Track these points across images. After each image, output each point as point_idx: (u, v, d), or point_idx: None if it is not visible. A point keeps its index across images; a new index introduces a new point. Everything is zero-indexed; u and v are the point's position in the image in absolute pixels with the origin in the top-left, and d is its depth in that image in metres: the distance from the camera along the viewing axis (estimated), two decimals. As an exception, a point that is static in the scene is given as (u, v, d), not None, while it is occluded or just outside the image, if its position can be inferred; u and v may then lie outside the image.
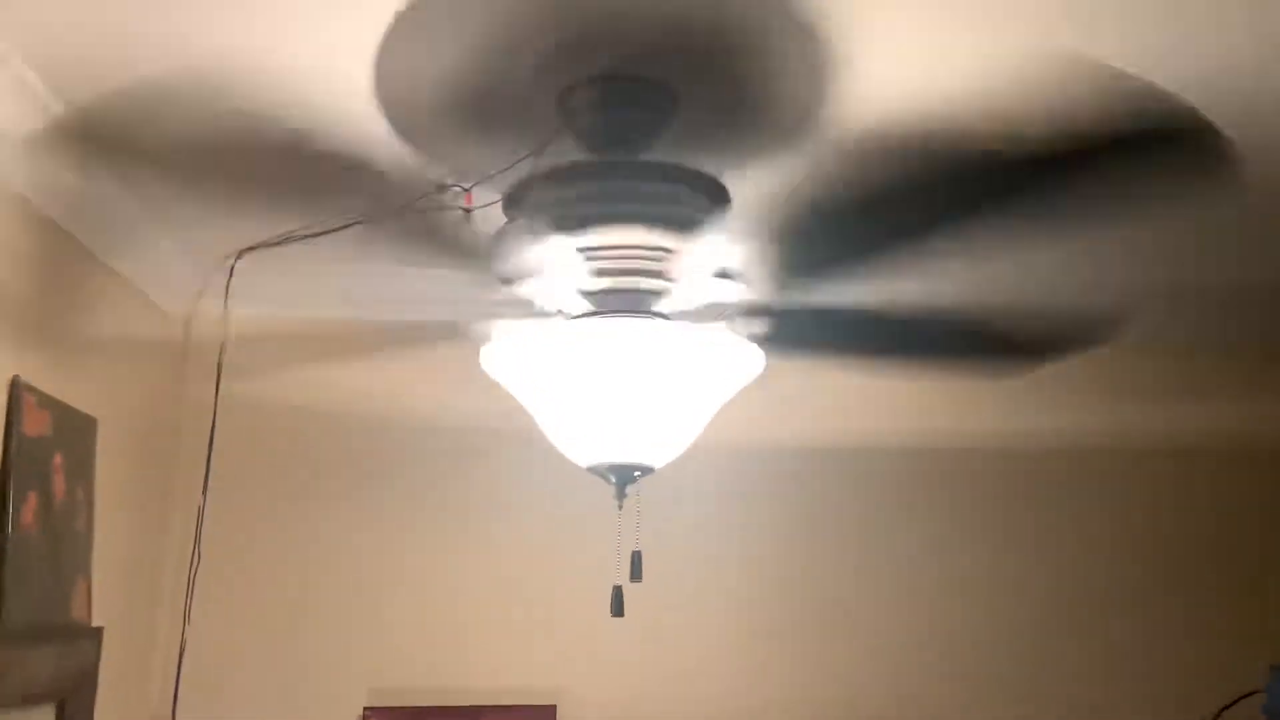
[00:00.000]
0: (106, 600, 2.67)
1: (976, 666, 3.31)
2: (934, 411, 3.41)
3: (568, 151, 2.07)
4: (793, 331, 2.13)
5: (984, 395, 3.33)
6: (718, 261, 2.01)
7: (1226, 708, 3.02)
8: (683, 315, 2.06)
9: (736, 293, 2.07)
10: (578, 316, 2.03)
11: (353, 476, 3.23)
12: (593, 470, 2.03)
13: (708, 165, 2.14)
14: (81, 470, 2.54)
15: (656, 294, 2.02)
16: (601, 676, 3.17)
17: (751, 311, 2.10)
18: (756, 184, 2.27)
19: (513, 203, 2.04)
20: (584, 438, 2.00)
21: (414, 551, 3.22)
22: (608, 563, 2.02)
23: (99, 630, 2.59)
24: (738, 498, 3.32)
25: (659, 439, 2.02)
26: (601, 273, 1.99)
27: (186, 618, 2.44)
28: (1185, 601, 3.40)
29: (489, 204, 2.16)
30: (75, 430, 2.51)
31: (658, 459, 2.03)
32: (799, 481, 3.36)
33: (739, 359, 2.01)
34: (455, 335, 2.28)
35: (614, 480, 2.01)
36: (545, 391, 2.01)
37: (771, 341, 2.08)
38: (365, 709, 3.07)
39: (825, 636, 3.30)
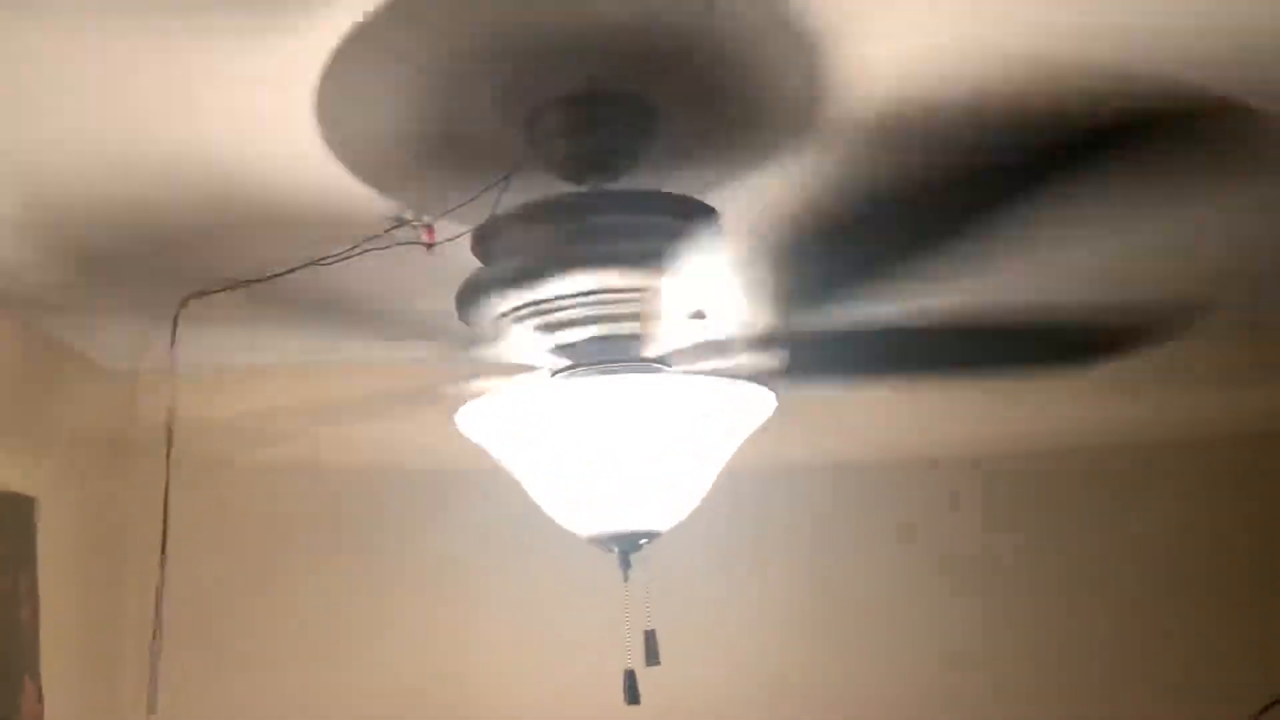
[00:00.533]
0: (60, 697, 2.42)
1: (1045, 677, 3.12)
2: (968, 418, 3.19)
3: (538, 182, 1.84)
4: (813, 359, 1.90)
5: (1023, 396, 3.09)
6: (714, 294, 1.77)
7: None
8: (680, 358, 1.83)
9: (739, 326, 1.83)
10: (560, 371, 1.81)
11: (326, 535, 2.98)
12: (593, 542, 1.80)
13: (694, 185, 1.94)
14: (21, 557, 2.29)
15: (647, 338, 1.79)
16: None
17: (760, 344, 1.86)
18: (751, 201, 2.04)
19: (479, 243, 1.84)
20: (579, 506, 1.78)
21: (400, 612, 2.98)
22: (613, 611, 1.80)
23: (52, 732, 2.35)
24: (755, 525, 3.09)
25: (664, 500, 1.79)
26: (580, 321, 1.77)
27: (151, 708, 2.20)
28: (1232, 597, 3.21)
29: (454, 238, 1.94)
30: (10, 513, 2.26)
31: (664, 522, 1.80)
32: (824, 502, 3.14)
33: (746, 404, 1.78)
34: (428, 396, 2.04)
35: (617, 550, 1.78)
36: (531, 457, 1.78)
37: (790, 374, 1.85)
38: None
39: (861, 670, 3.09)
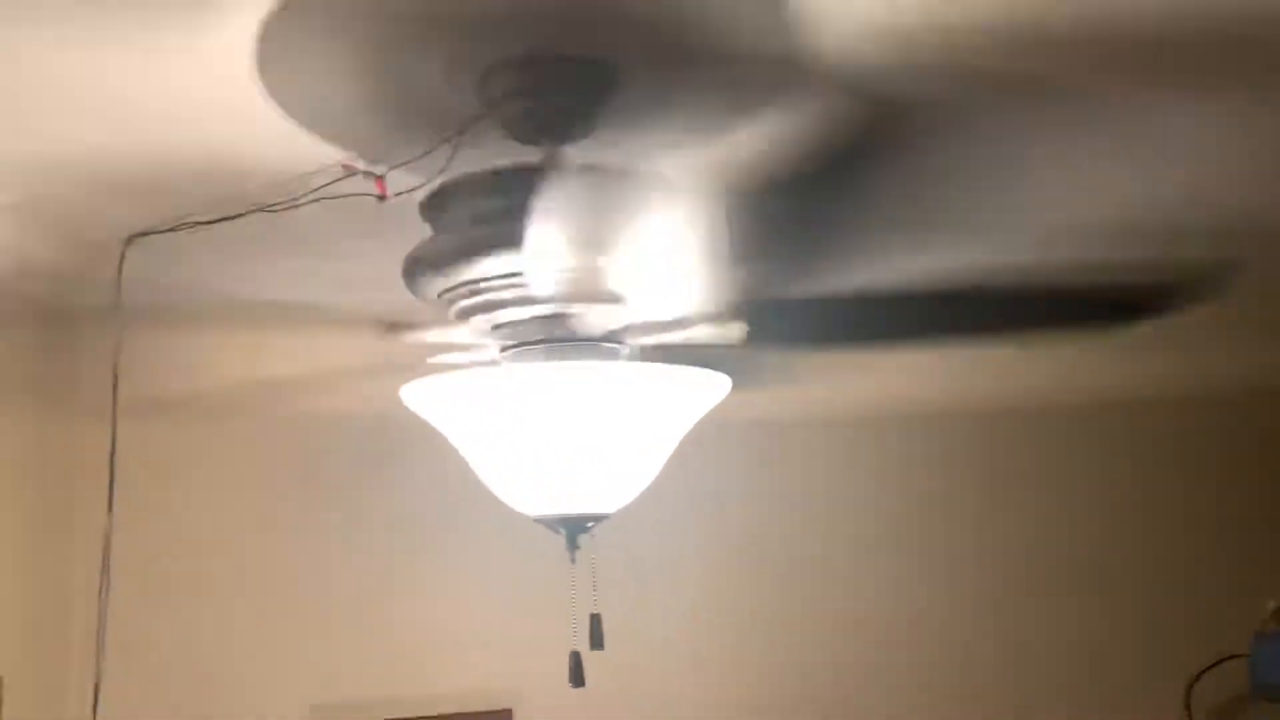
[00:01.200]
0: (5, 649, 2.40)
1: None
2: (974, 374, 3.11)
3: (493, 141, 1.77)
4: (786, 326, 1.85)
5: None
6: (671, 264, 1.72)
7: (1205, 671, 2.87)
8: (635, 333, 1.79)
9: (699, 298, 1.78)
10: (508, 349, 1.77)
11: (276, 481, 2.95)
12: (540, 522, 1.78)
13: (656, 145, 1.87)
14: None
15: (598, 315, 1.75)
16: (559, 678, 2.94)
17: (725, 315, 1.81)
18: (716, 160, 1.97)
19: (427, 209, 1.79)
20: (526, 487, 1.77)
21: (350, 557, 2.97)
22: (562, 562, 1.79)
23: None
24: (711, 471, 3.07)
25: (612, 484, 1.77)
26: (525, 300, 1.73)
27: (101, 653, 2.18)
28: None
29: (408, 191, 1.85)
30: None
31: (612, 505, 1.79)
32: (781, 457, 3.10)
33: (697, 389, 1.75)
34: (381, 332, 1.99)
35: (564, 532, 1.77)
36: (478, 438, 1.76)
37: (762, 341, 1.81)
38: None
39: (802, 619, 3.09)
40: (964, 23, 1.69)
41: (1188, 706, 3.11)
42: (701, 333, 1.80)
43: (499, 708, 2.91)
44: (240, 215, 1.91)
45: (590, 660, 1.85)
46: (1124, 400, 3.25)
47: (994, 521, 3.22)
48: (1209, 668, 2.94)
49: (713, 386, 1.76)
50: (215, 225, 1.91)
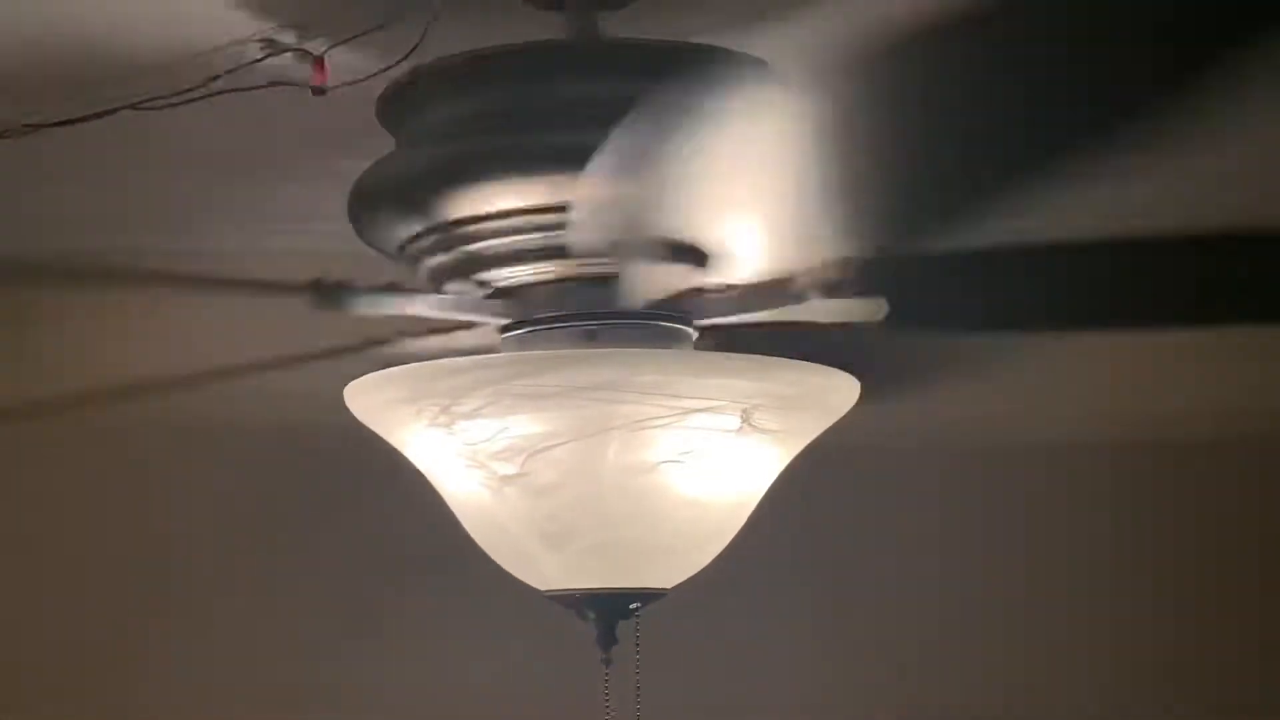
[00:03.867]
0: None
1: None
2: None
3: (489, 8, 1.27)
4: (937, 300, 1.29)
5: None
6: (762, 202, 1.14)
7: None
8: (704, 309, 1.23)
9: (802, 253, 1.19)
10: (510, 331, 1.22)
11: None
12: (558, 601, 1.20)
13: (726, 25, 1.31)
14: None
15: (648, 279, 1.20)
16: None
17: (842, 282, 1.22)
18: (825, 33, 1.37)
19: (387, 109, 1.27)
20: (534, 545, 1.19)
21: (291, 622, 2.35)
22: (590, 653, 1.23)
23: None
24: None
25: (674, 541, 1.19)
26: (537, 252, 1.20)
27: None
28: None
29: (359, 80, 1.32)
30: None
31: (671, 574, 1.21)
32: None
33: (810, 395, 1.18)
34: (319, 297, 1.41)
35: (596, 619, 1.20)
36: (462, 469, 1.18)
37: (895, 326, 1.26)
38: None
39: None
40: None
41: None
42: (815, 308, 1.21)
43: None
44: (105, 114, 1.41)
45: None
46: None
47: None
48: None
49: (833, 392, 1.18)
50: (71, 130, 1.41)
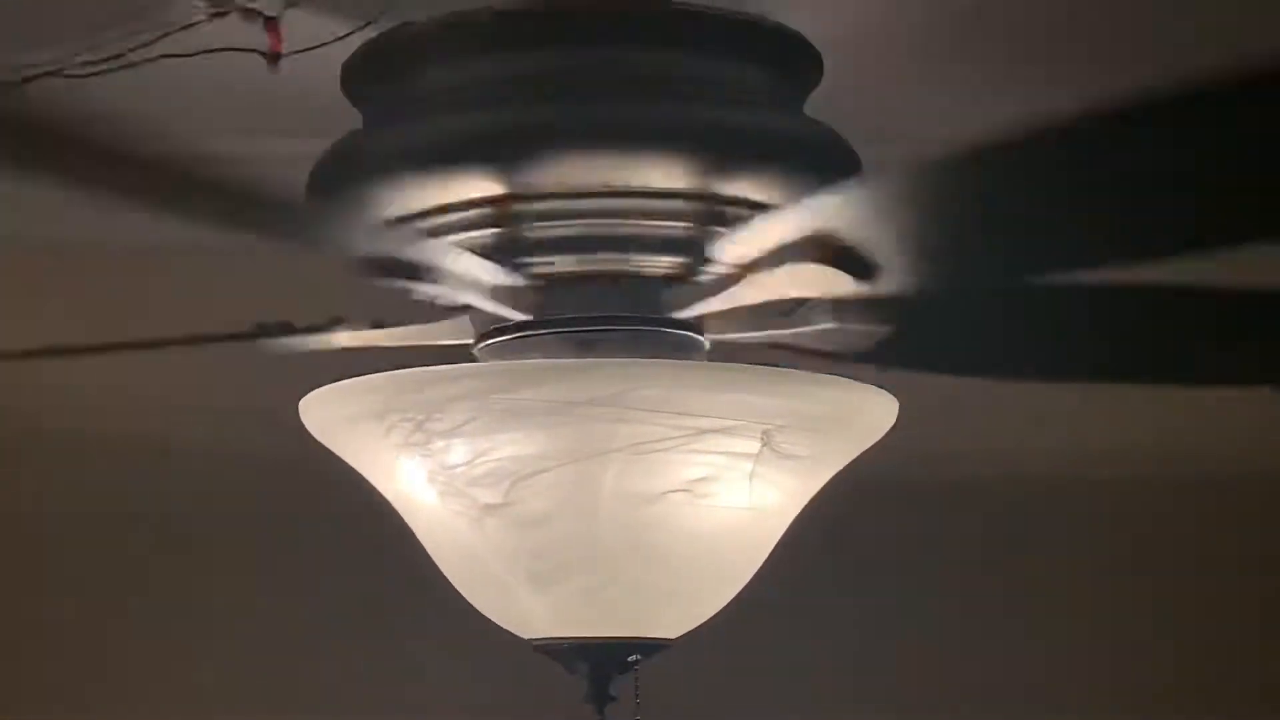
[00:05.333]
0: None
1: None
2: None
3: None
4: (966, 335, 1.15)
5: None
6: (817, 212, 0.97)
7: None
8: (726, 322, 1.07)
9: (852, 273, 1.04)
10: (491, 335, 1.06)
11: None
12: (545, 652, 1.04)
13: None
14: None
15: (682, 284, 1.04)
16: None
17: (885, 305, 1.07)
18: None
19: (353, 75, 1.10)
20: (518, 587, 1.03)
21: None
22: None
23: None
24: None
25: (680, 584, 1.04)
26: (548, 244, 1.02)
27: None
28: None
29: (319, 45, 1.14)
30: None
31: (677, 622, 1.05)
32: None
33: (845, 415, 1.03)
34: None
35: (589, 672, 1.04)
36: (436, 494, 1.02)
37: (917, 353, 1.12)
38: None
39: None
40: None
41: None
42: (843, 331, 1.06)
43: None
44: (26, 82, 1.18)
45: None
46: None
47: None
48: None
49: (868, 411, 1.04)
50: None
